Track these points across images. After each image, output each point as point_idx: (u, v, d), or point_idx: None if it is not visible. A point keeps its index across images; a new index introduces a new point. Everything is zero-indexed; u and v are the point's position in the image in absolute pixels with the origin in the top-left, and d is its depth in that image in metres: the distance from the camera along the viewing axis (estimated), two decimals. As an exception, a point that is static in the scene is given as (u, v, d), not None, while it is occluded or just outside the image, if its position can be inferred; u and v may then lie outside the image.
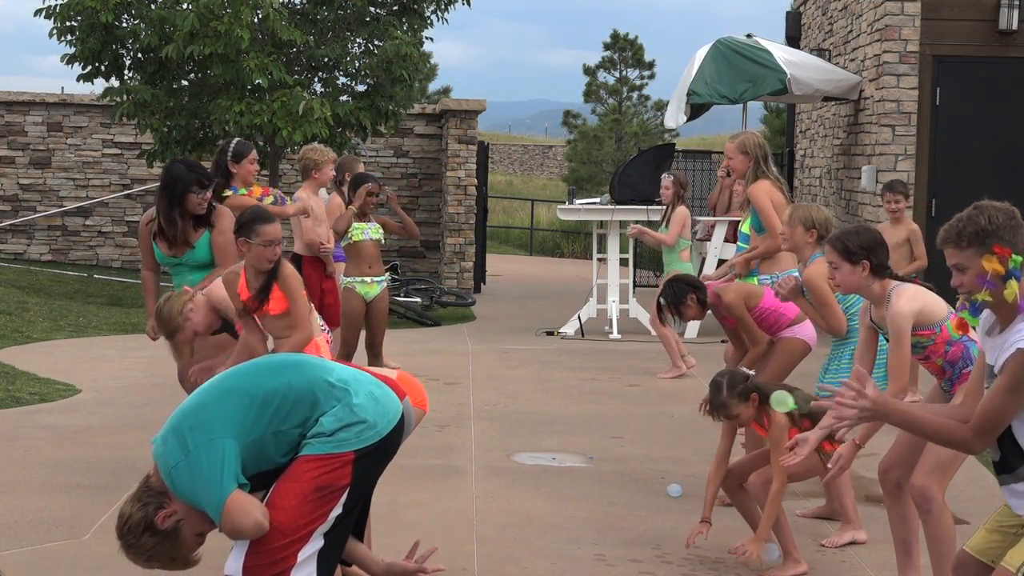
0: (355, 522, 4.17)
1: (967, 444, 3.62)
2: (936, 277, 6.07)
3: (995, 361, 3.62)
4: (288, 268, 5.78)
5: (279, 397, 3.92)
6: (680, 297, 6.41)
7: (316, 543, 3.87)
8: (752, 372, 5.79)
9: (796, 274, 6.44)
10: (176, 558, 3.97)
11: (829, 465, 4.87)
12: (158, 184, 6.80)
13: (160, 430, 3.99)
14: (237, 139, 8.09)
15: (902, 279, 5.05)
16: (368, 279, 8.74)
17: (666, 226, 10.97)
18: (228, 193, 7.64)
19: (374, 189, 8.74)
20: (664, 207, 11.22)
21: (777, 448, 5.30)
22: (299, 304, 5.73)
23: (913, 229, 9.56)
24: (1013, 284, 3.57)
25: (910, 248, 9.33)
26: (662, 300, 6.50)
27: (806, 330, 6.47)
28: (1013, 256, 3.57)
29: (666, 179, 11.18)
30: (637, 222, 12.28)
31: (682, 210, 10.89)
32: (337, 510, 3.89)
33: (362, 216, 8.72)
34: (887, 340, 4.99)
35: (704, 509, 5.57)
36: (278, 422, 3.90)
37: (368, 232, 8.74)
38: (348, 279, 8.73)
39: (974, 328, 3.78)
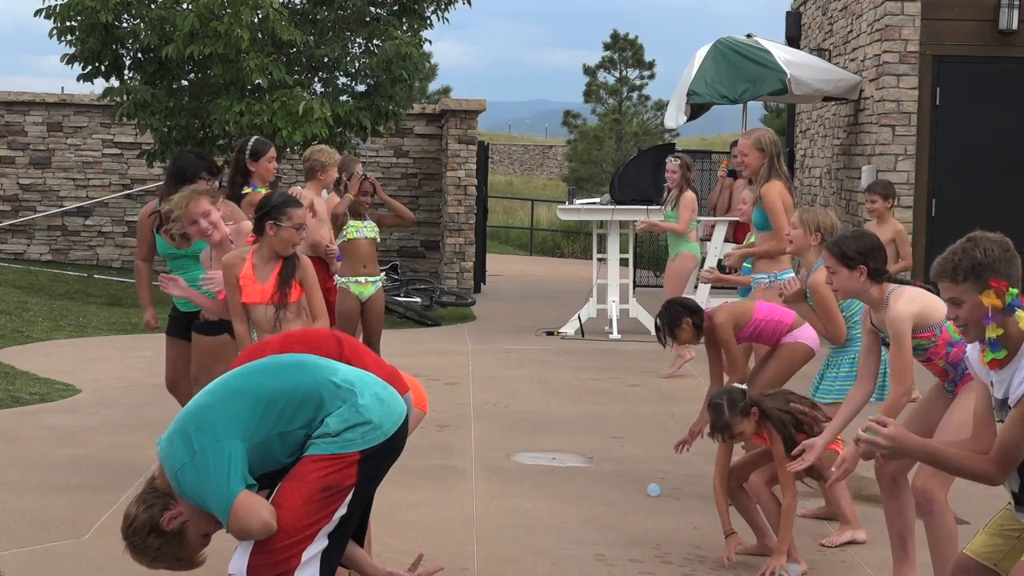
0: (356, 525, 4.17)
1: (990, 477, 3.65)
2: (928, 277, 6.07)
3: (1005, 394, 3.62)
4: (305, 259, 5.75)
5: (285, 398, 3.92)
6: (676, 320, 6.42)
7: (320, 543, 3.88)
8: (745, 387, 5.80)
9: (793, 275, 6.42)
10: (181, 559, 3.98)
11: (833, 469, 4.87)
12: (166, 173, 6.82)
13: (166, 431, 3.99)
14: (256, 137, 8.10)
15: (901, 282, 5.05)
16: (362, 279, 8.69)
17: (672, 209, 10.90)
18: (247, 190, 7.63)
19: (367, 188, 8.75)
20: (668, 191, 11.12)
21: (783, 462, 5.30)
22: (318, 294, 5.70)
23: (899, 230, 9.57)
24: (1021, 315, 3.57)
25: (895, 248, 9.32)
26: (658, 321, 6.52)
27: (807, 333, 6.46)
28: (1010, 289, 3.57)
29: (672, 163, 10.99)
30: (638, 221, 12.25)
31: (690, 195, 10.82)
32: (342, 511, 3.90)
33: (356, 215, 8.69)
34: (888, 345, 4.99)
35: (723, 525, 5.58)
36: (284, 423, 3.91)
37: (363, 231, 8.70)
38: (342, 279, 8.65)
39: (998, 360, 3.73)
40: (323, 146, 9.37)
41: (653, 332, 9.76)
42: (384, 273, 9.25)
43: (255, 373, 4.05)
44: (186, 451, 3.85)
